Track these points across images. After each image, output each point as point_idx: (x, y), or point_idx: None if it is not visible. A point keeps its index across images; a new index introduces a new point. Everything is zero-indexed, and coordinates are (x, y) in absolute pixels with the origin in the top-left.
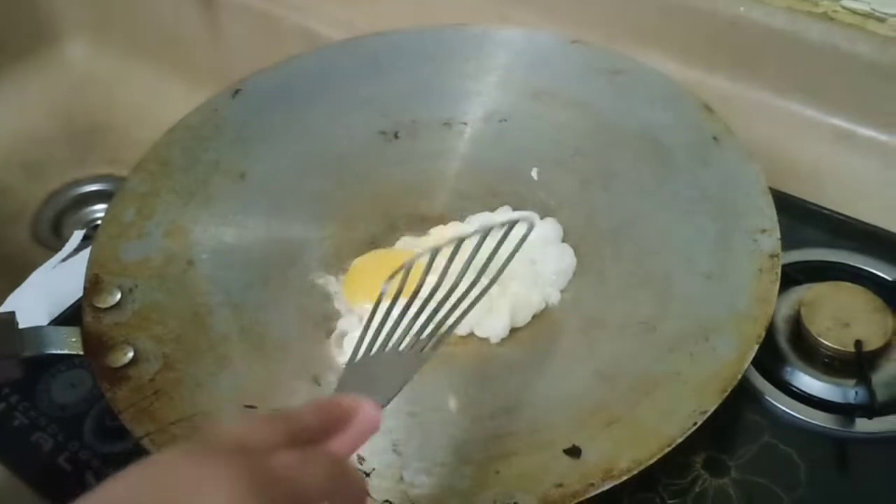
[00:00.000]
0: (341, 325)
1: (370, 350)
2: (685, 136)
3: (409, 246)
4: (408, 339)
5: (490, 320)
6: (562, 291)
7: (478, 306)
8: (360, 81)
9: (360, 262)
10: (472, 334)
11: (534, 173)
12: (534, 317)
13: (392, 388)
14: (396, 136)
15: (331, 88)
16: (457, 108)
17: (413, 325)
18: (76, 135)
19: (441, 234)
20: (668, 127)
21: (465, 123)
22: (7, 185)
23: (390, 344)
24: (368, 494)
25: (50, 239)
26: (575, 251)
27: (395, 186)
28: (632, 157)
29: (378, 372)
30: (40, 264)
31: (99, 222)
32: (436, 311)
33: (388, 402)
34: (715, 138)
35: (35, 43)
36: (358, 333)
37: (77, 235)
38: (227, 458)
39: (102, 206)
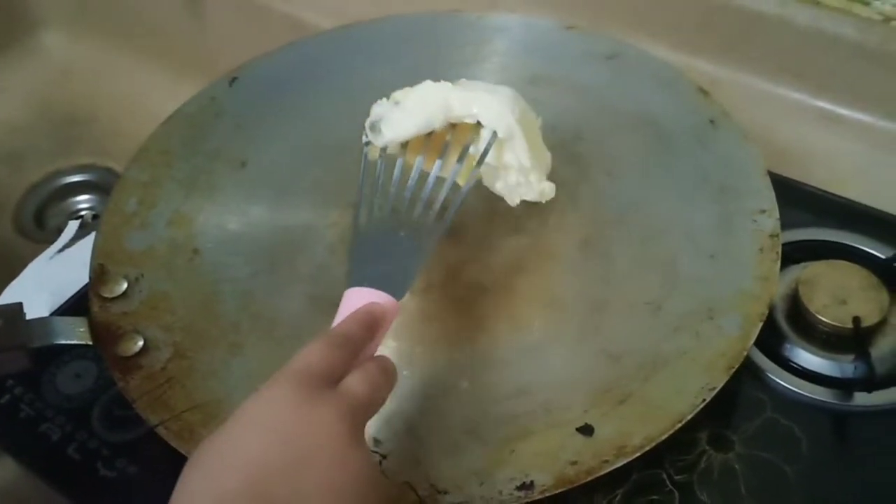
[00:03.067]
0: (375, 110)
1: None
2: (683, 119)
3: None
4: (417, 208)
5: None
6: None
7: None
8: (356, 68)
9: None
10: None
11: None
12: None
13: (405, 280)
14: None
15: (327, 75)
16: None
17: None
18: (57, 125)
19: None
20: (666, 110)
21: None
22: None
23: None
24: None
25: (33, 231)
26: (579, 234)
27: None
28: (631, 141)
29: (388, 260)
30: (24, 256)
31: (84, 213)
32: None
33: (405, 295)
34: (712, 121)
35: (12, 32)
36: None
37: (72, 226)
38: (325, 397)
39: (86, 196)
